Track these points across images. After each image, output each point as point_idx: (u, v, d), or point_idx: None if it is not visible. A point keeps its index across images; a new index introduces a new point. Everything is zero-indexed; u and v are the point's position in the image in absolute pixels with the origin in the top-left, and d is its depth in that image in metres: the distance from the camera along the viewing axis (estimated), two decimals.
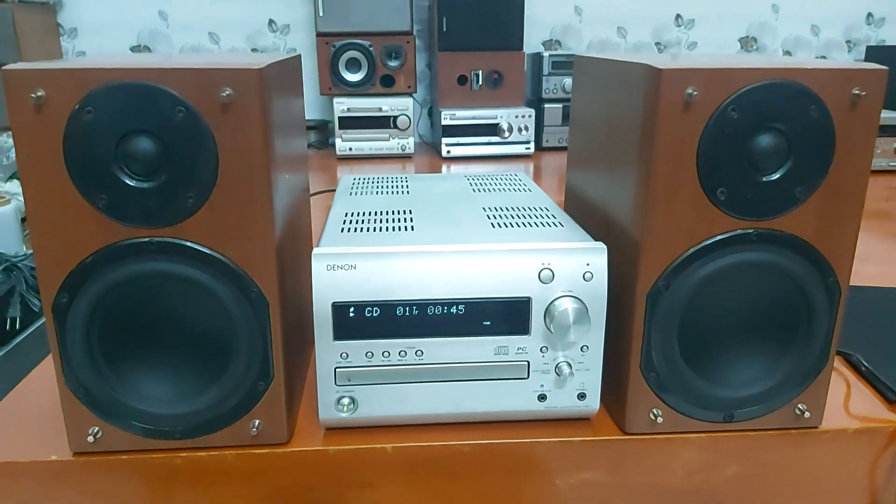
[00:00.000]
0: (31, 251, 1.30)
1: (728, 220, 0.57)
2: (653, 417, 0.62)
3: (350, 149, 2.04)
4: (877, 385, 0.70)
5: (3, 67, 0.51)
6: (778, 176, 0.57)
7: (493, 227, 0.66)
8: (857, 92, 0.55)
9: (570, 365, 0.61)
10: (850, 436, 0.65)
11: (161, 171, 0.53)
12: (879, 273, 1.03)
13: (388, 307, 0.59)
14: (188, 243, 0.55)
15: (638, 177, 0.58)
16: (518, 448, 0.62)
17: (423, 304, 0.59)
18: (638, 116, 0.57)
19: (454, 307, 0.59)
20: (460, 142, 2.04)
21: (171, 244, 0.55)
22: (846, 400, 0.69)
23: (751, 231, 0.58)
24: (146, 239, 0.55)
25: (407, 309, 0.59)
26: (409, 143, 2.05)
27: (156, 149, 0.53)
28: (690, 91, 0.54)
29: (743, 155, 0.56)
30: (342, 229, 0.65)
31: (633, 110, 0.58)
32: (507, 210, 0.72)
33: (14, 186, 1.84)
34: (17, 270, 1.15)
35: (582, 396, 0.62)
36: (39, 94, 0.51)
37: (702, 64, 0.54)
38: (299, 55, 0.74)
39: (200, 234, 0.55)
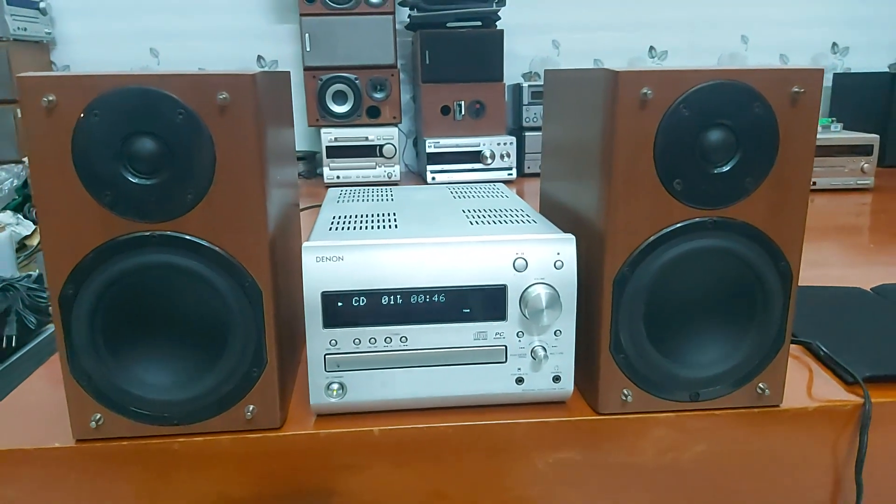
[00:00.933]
0: (26, 274, 1.33)
1: (685, 210, 0.63)
2: (623, 397, 0.66)
3: (338, 177, 2.10)
4: (835, 369, 0.75)
5: (18, 75, 0.55)
6: (728, 168, 0.62)
7: (471, 224, 0.71)
8: (796, 90, 0.61)
9: (544, 349, 0.65)
10: (811, 414, 0.69)
11: (162, 170, 0.58)
12: (841, 275, 1.08)
13: (373, 296, 0.63)
14: (187, 236, 0.59)
15: (601, 171, 0.63)
16: (498, 429, 0.66)
17: (406, 293, 0.63)
18: (599, 116, 0.63)
19: (435, 295, 0.64)
20: (445, 169, 2.10)
21: (171, 237, 0.59)
22: (809, 384, 0.73)
23: (706, 219, 0.63)
24: (148, 233, 0.59)
25: (391, 298, 0.63)
26: (395, 171, 2.11)
27: (157, 148, 0.57)
28: (645, 91, 0.59)
29: (696, 149, 0.61)
30: (330, 228, 0.70)
31: (594, 111, 0.64)
32: (485, 211, 0.77)
33: (7, 217, 1.87)
34: (14, 290, 1.18)
35: (557, 379, 0.66)
36: (50, 98, 0.55)
37: (655, 68, 0.60)
38: (288, 71, 0.80)
39: (198, 228, 0.59)
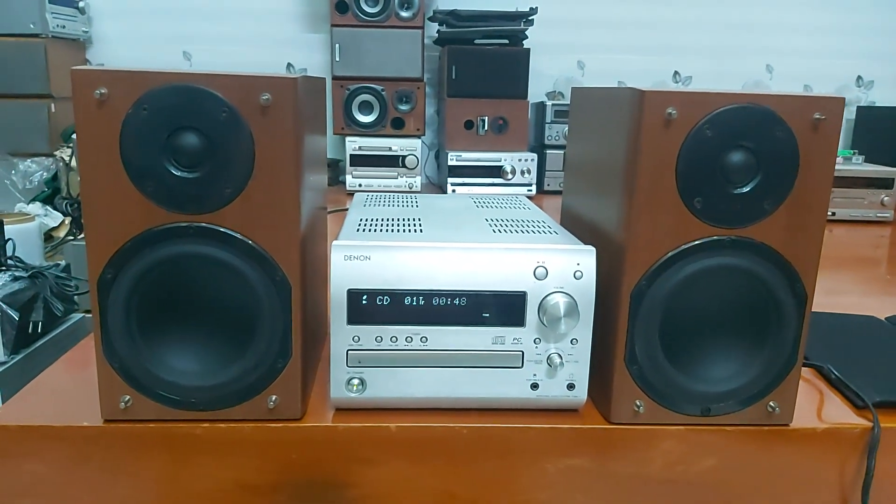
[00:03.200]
0: (54, 263, 1.37)
1: (704, 228, 0.64)
2: (636, 408, 0.67)
3: (360, 185, 2.13)
4: (845, 392, 0.76)
5: (72, 68, 0.58)
6: (748, 189, 0.64)
7: (495, 231, 0.73)
8: (817, 116, 0.63)
9: (560, 356, 0.67)
10: (820, 435, 0.70)
11: (204, 164, 0.61)
12: (855, 304, 1.09)
13: (397, 296, 0.65)
14: (223, 229, 0.62)
15: (624, 187, 0.65)
16: (511, 433, 0.67)
17: (429, 295, 0.65)
18: (624, 134, 0.65)
19: (457, 298, 0.66)
20: (465, 182, 2.13)
21: (207, 229, 0.62)
22: (819, 405, 0.75)
23: (724, 238, 0.65)
24: (186, 223, 0.62)
25: (414, 298, 0.65)
26: (417, 182, 2.14)
27: (201, 144, 0.60)
28: (670, 111, 0.61)
29: (717, 169, 0.63)
30: (358, 229, 0.72)
31: (620, 129, 0.66)
32: (508, 221, 0.79)
33: (36, 208, 1.92)
34: (43, 278, 1.21)
35: (571, 386, 0.68)
36: (102, 91, 0.58)
37: (680, 89, 0.62)
38: (324, 78, 0.83)
39: (234, 222, 0.62)
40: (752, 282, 0.66)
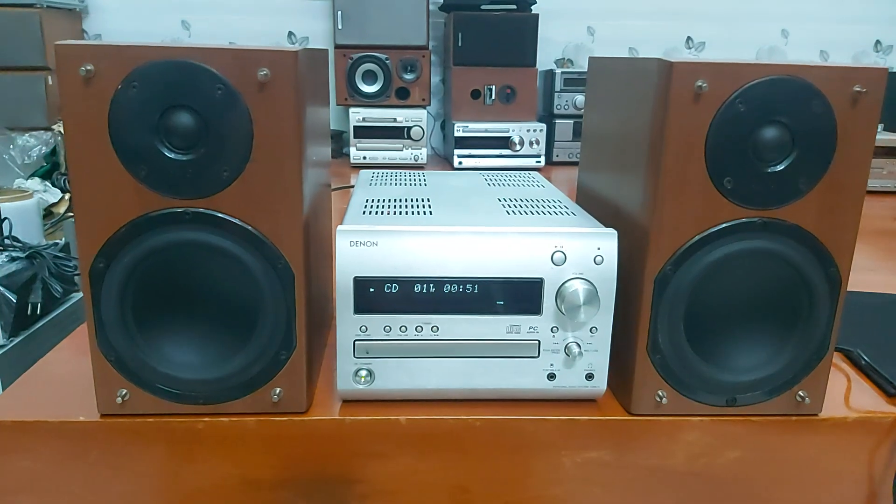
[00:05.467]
0: (53, 242, 1.34)
1: (734, 209, 0.60)
2: (658, 399, 0.64)
3: (364, 157, 2.08)
4: (876, 379, 0.72)
5: (56, 42, 0.54)
6: (782, 167, 0.59)
7: (508, 213, 0.69)
8: (857, 89, 0.58)
9: (579, 345, 0.63)
10: (850, 425, 0.67)
11: (199, 145, 0.56)
12: (882, 281, 1.05)
13: (406, 283, 0.61)
14: (221, 215, 0.58)
15: (648, 166, 0.61)
16: (527, 425, 0.64)
17: (439, 282, 0.62)
18: (649, 109, 0.60)
19: (469, 286, 0.62)
20: (472, 153, 2.08)
21: (204, 215, 0.58)
22: (847, 392, 0.71)
23: (755, 220, 0.60)
24: (181, 209, 0.58)
25: (424, 286, 0.62)
26: (422, 154, 2.09)
27: (195, 124, 0.56)
28: (700, 84, 0.57)
29: (749, 146, 0.59)
30: (364, 212, 0.68)
31: (644, 103, 0.62)
32: (522, 201, 0.75)
33: (35, 184, 1.88)
34: (41, 258, 1.18)
35: (590, 377, 0.64)
36: (89, 67, 0.54)
37: (710, 59, 0.58)
38: (326, 49, 0.78)
39: (233, 207, 0.58)
40: (783, 266, 0.62)
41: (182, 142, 0.56)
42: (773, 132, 0.58)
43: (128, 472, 0.63)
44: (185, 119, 0.56)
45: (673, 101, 0.57)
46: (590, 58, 0.81)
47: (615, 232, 0.63)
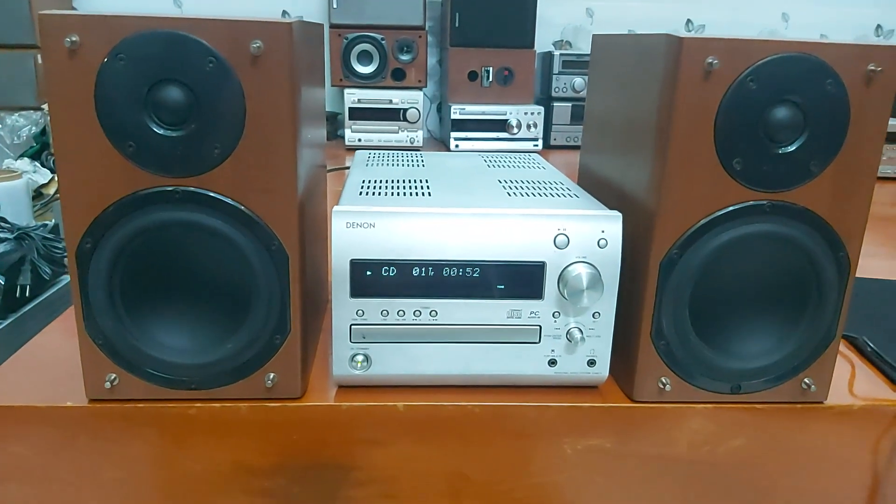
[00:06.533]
0: (42, 223, 1.31)
1: (742, 191, 0.58)
2: (661, 386, 0.62)
3: (359, 139, 2.05)
4: (881, 366, 0.71)
5: (40, 12, 0.52)
6: (793, 148, 0.58)
7: (509, 195, 0.67)
8: (872, 68, 0.56)
9: (581, 331, 0.62)
10: (855, 413, 0.65)
11: (189, 121, 0.54)
12: (885, 267, 1.04)
13: (404, 266, 0.60)
14: (212, 194, 0.56)
15: (655, 146, 0.59)
16: (527, 412, 0.63)
17: (438, 265, 0.60)
18: (657, 87, 0.58)
19: (469, 269, 0.60)
20: (469, 136, 2.05)
21: (195, 194, 0.56)
22: (851, 380, 0.70)
23: (764, 202, 0.59)
24: (171, 188, 0.56)
25: (423, 269, 0.60)
26: (418, 137, 2.06)
27: (185, 98, 0.54)
28: (710, 60, 0.55)
29: (760, 126, 0.57)
30: (360, 192, 0.66)
31: (652, 81, 0.59)
32: (523, 182, 0.73)
33: (24, 164, 1.85)
34: (30, 239, 1.16)
35: (592, 363, 0.63)
36: (74, 39, 0.52)
37: (721, 35, 0.56)
38: (322, 24, 0.75)
39: (225, 186, 0.56)
40: (792, 251, 0.60)
41: (171, 117, 0.54)
42: (784, 112, 0.56)
43: (118, 458, 0.61)
44: (175, 93, 0.53)
45: (682, 79, 0.55)
46: (594, 35, 0.79)
47: (620, 214, 0.61)
